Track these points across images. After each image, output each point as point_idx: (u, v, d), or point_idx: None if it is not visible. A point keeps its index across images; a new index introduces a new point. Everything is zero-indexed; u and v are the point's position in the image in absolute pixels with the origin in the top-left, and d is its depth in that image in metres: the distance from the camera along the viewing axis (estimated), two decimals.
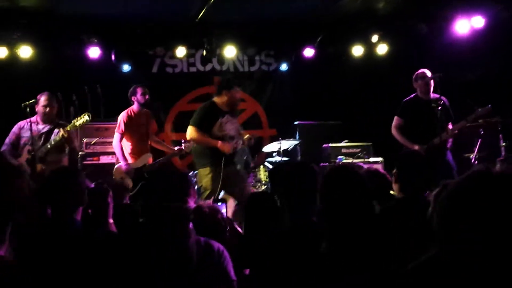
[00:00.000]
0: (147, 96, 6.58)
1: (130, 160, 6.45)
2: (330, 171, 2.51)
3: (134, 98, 6.55)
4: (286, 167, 3.13)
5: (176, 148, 6.69)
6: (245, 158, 8.66)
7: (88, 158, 7.03)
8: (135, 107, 6.58)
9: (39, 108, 5.91)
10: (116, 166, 6.55)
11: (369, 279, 2.15)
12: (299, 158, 8.15)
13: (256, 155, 8.81)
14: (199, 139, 5.87)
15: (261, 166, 7.83)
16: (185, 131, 9.07)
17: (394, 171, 3.24)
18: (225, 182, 5.73)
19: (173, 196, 3.11)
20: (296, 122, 8.66)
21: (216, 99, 6.00)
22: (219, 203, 3.07)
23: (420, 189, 3.10)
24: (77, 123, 5.66)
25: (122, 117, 6.51)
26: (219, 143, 5.75)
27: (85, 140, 7.13)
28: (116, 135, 6.49)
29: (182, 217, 2.36)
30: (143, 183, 5.90)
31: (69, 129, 5.66)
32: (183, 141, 6.63)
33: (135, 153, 6.53)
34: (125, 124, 6.46)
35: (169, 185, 3.24)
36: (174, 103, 9.09)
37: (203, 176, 5.83)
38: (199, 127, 5.84)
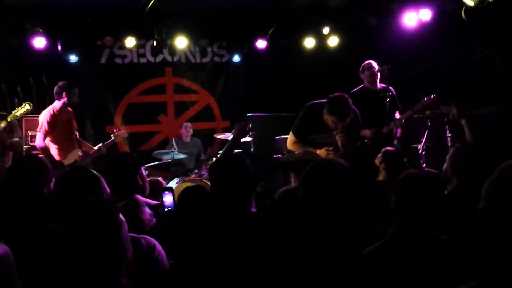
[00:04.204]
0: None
1: (57, 158, 6.15)
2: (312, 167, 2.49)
3: (65, 95, 6.20)
4: (223, 161, 3.15)
5: (97, 147, 6.42)
6: (197, 150, 8.61)
7: (34, 152, 6.83)
8: (58, 105, 6.23)
9: None
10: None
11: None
12: (252, 150, 8.13)
13: (209, 147, 8.74)
14: None
15: (214, 159, 7.77)
16: (135, 123, 9.03)
17: None
18: None
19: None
20: (249, 114, 8.63)
21: None
22: (166, 192, 2.99)
23: None
24: (18, 113, 5.42)
25: (45, 116, 6.15)
26: None
27: (29, 133, 6.91)
28: (39, 135, 6.12)
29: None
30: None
31: (9, 119, 5.41)
32: (114, 130, 6.46)
33: (63, 150, 6.23)
34: (49, 123, 6.12)
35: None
36: (124, 95, 8.93)
37: None
38: None
